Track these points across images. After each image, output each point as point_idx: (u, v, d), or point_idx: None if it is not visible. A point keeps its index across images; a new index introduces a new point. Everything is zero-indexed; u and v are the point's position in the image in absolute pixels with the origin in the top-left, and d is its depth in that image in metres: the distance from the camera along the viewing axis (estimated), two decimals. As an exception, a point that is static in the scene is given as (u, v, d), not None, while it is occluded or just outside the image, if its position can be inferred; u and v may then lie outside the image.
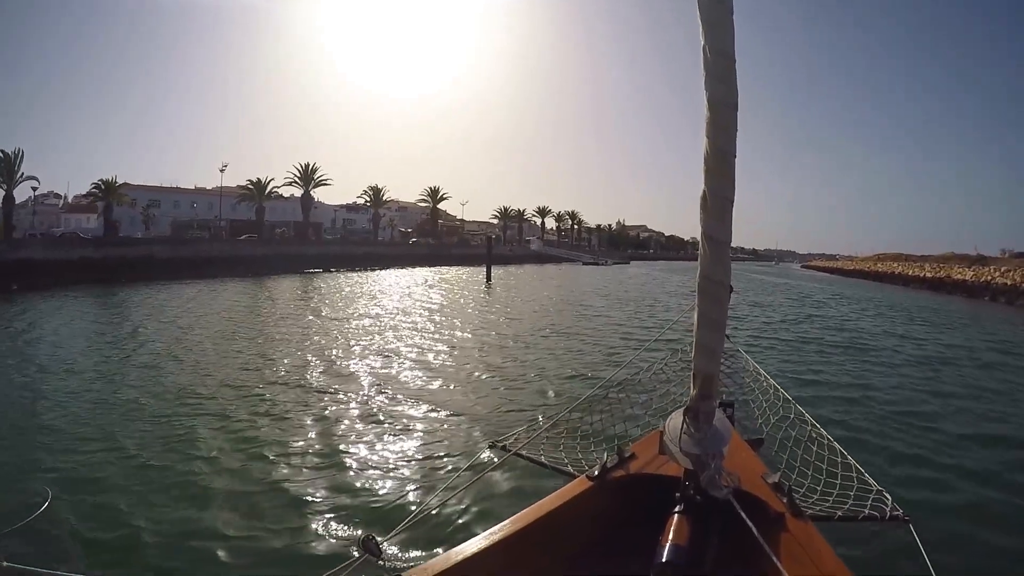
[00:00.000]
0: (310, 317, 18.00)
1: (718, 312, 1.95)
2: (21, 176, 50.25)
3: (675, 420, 2.17)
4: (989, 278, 50.75)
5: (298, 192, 74.02)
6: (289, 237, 70.08)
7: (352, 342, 13.21)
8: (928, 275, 64.18)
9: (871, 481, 2.94)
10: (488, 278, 38.65)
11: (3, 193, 48.84)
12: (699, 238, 1.83)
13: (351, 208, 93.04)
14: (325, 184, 74.68)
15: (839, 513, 2.83)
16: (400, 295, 27.01)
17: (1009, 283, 46.83)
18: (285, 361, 11.10)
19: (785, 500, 2.22)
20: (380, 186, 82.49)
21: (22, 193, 70.08)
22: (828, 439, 3.45)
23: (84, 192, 65.20)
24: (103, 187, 57.82)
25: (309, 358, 11.43)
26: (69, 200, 75.69)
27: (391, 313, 19.04)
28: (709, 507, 2.14)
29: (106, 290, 31.63)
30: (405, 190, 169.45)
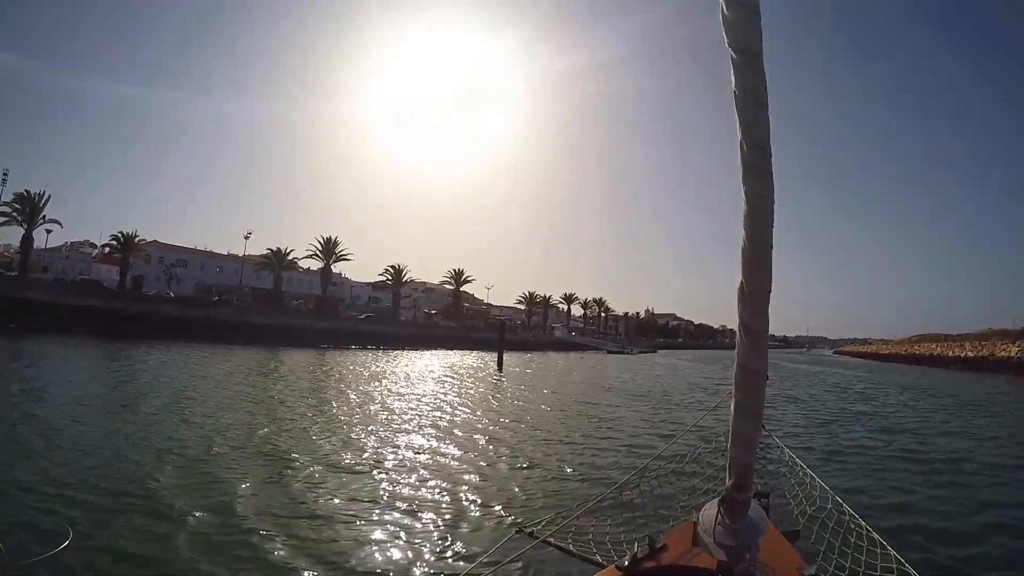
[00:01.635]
0: (306, 395, 18.07)
1: (755, 402, 1.97)
2: (43, 218, 52.58)
3: (710, 510, 2.16)
4: None
5: (322, 265, 76.28)
6: (306, 310, 71.24)
7: (351, 425, 13.07)
8: (969, 354, 62.93)
9: (913, 573, 2.85)
10: (500, 366, 36.65)
11: (23, 233, 51.38)
12: (737, 329, 1.89)
13: (377, 287, 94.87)
14: (345, 259, 77.12)
15: None
16: (405, 380, 26.43)
17: None
18: (287, 438, 11.15)
19: None
20: (401, 265, 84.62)
21: (58, 239, 74.36)
22: (868, 530, 3.35)
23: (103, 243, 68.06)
24: (121, 240, 59.94)
25: (312, 437, 11.45)
26: (105, 251, 78.65)
27: (395, 399, 18.90)
28: None
29: (105, 343, 32.48)
30: (433, 271, 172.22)
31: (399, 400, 18.11)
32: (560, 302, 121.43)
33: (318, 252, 75.10)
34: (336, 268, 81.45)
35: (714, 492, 2.70)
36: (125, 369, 22.19)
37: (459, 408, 17.18)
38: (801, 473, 4.46)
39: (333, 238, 75.41)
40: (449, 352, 59.41)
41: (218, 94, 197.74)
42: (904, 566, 2.93)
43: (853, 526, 3.53)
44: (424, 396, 19.84)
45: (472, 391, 22.69)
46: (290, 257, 73.04)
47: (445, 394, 20.83)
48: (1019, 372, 47.85)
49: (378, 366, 33.74)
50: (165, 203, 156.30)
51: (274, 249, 72.44)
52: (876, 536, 3.27)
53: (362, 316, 76.56)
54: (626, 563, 2.54)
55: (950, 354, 68.58)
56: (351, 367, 31.26)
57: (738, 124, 1.72)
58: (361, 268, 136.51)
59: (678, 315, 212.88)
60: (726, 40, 1.71)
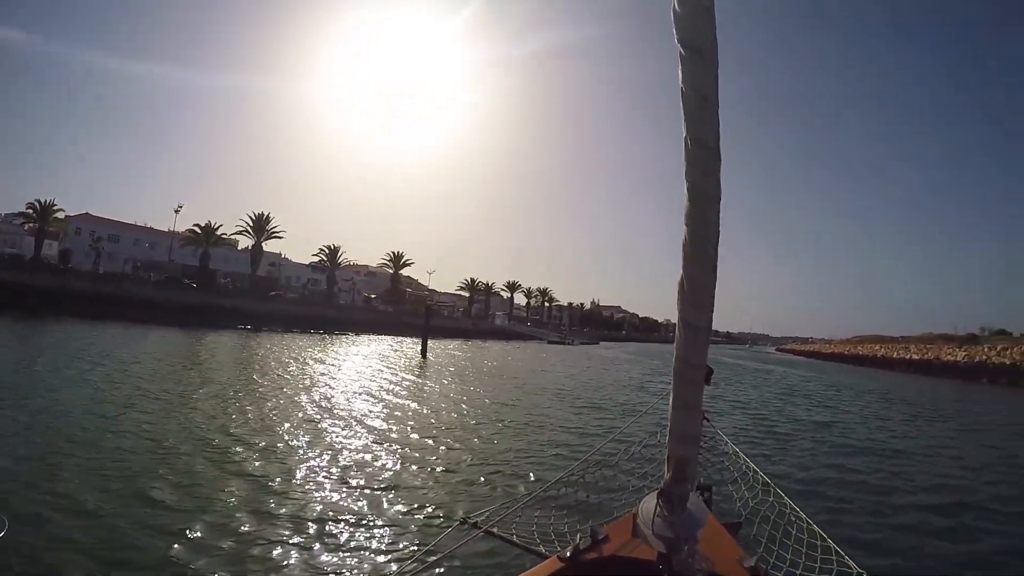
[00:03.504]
0: (222, 382, 17.58)
1: (694, 396, 2.04)
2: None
3: (649, 503, 2.21)
4: (985, 358, 51.86)
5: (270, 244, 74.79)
6: (233, 289, 69.12)
7: (267, 417, 12.64)
8: (914, 357, 64.90)
9: (851, 564, 2.98)
10: (423, 354, 35.89)
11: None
12: (676, 324, 1.95)
13: (316, 268, 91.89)
14: (277, 236, 75.15)
15: None
16: (325, 366, 25.69)
17: (1008, 363, 47.71)
18: (212, 430, 10.93)
19: None
20: (337, 246, 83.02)
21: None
22: (808, 521, 3.49)
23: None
24: (38, 209, 56.80)
25: (233, 428, 11.19)
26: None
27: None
28: None
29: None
30: (379, 255, 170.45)
31: (315, 388, 17.58)
32: (503, 290, 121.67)
33: (248, 228, 72.94)
34: (276, 248, 79.99)
35: (655, 485, 2.80)
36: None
37: (377, 398, 16.69)
38: (744, 465, 4.60)
39: (265, 214, 73.31)
40: (384, 338, 58.71)
41: (157, 62, 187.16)
42: (843, 557, 3.05)
43: (794, 518, 3.65)
44: (342, 383, 19.32)
45: (388, 380, 21.57)
46: (219, 232, 70.83)
47: (360, 382, 20.09)
48: (966, 377, 49.73)
49: (302, 351, 32.49)
50: (111, 176, 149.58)
51: (202, 224, 70.09)
52: (816, 528, 3.39)
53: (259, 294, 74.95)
54: (568, 554, 2.59)
55: (894, 356, 70.93)
56: (270, 352, 30.03)
57: (684, 120, 1.76)
58: (305, 250, 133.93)
59: (623, 307, 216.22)
60: (676, 36, 1.74)
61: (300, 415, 12.95)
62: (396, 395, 17.81)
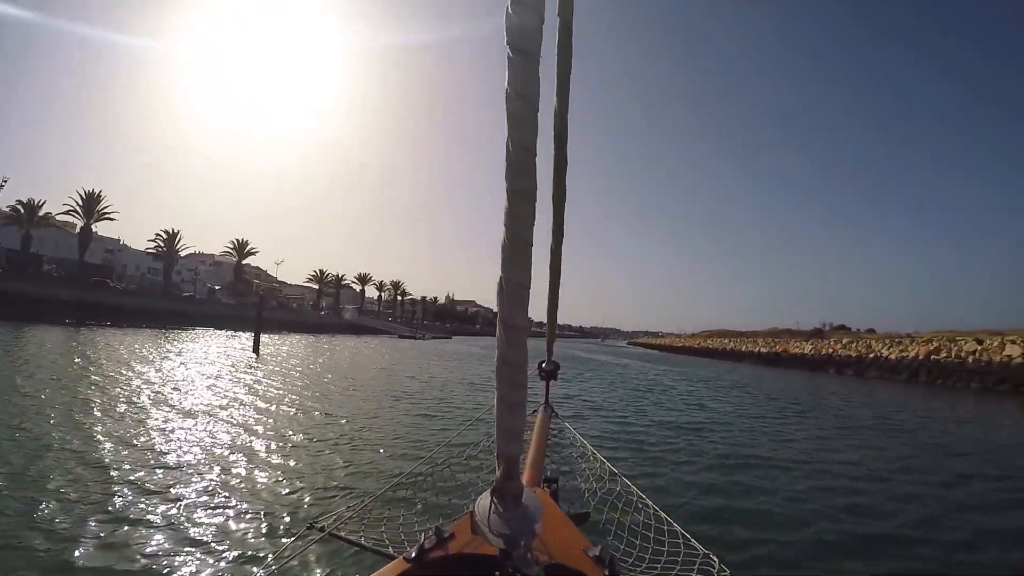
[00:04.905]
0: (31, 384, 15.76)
1: (518, 395, 2.03)
2: None
3: (484, 501, 2.19)
4: (831, 351, 56.71)
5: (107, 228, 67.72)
6: (57, 277, 62.15)
7: (74, 424, 11.49)
8: (763, 350, 70.18)
9: (697, 546, 3.06)
10: (256, 350, 33.28)
11: None
12: (496, 324, 1.93)
13: (158, 256, 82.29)
14: (109, 218, 68.45)
15: None
16: (141, 366, 24.00)
17: (854, 355, 52.35)
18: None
19: (607, 572, 2.30)
20: (176, 230, 77.07)
21: None
22: (654, 508, 3.56)
23: None
24: None
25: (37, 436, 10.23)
26: None
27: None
28: None
29: None
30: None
31: (125, 393, 15.21)
32: (354, 282, 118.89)
33: (77, 208, 65.83)
34: (114, 233, 72.98)
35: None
36: None
37: (199, 403, 14.78)
38: (591, 457, 4.72)
39: (96, 192, 66.37)
40: (222, 332, 55.30)
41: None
42: (690, 541, 3.17)
43: (641, 505, 3.71)
44: (155, 387, 16.81)
45: (214, 382, 19.32)
46: (43, 212, 63.37)
47: (179, 385, 17.79)
48: (814, 368, 54.68)
49: (116, 350, 28.62)
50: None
51: (24, 201, 62.38)
52: (663, 514, 3.47)
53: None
54: (414, 554, 2.53)
55: (743, 349, 76.48)
56: (80, 352, 26.11)
57: (507, 123, 1.76)
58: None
59: (478, 302, 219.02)
60: (506, 39, 1.73)
61: (105, 426, 11.28)
62: (220, 399, 15.95)
